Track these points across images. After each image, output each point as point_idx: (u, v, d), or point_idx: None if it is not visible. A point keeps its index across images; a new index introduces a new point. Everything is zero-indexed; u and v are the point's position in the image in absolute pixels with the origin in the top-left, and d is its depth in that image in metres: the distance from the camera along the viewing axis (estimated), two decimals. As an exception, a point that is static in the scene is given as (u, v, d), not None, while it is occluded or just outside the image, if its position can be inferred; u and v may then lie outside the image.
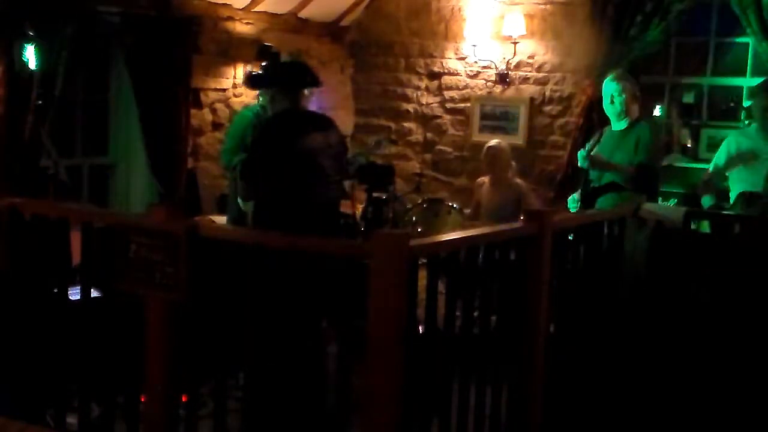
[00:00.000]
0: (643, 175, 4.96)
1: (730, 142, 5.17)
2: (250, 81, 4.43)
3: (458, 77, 7.58)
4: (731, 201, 5.03)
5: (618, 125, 5.16)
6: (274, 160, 4.23)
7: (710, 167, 5.28)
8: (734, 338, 4.22)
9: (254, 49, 6.69)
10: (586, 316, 4.18)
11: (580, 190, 5.16)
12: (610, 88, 5.15)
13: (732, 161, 5.09)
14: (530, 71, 7.27)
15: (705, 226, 4.95)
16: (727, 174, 5.14)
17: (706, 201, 5.25)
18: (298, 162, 4.23)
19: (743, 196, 4.87)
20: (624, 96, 5.09)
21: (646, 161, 4.99)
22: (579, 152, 5.10)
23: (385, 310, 2.80)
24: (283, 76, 4.59)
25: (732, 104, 7.26)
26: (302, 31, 7.45)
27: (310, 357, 3.93)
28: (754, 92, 5.15)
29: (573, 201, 5.16)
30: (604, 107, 5.27)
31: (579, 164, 5.10)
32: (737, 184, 5.02)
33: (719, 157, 5.20)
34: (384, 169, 7.32)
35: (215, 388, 3.38)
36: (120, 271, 3.26)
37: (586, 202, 5.04)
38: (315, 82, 4.60)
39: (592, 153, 5.03)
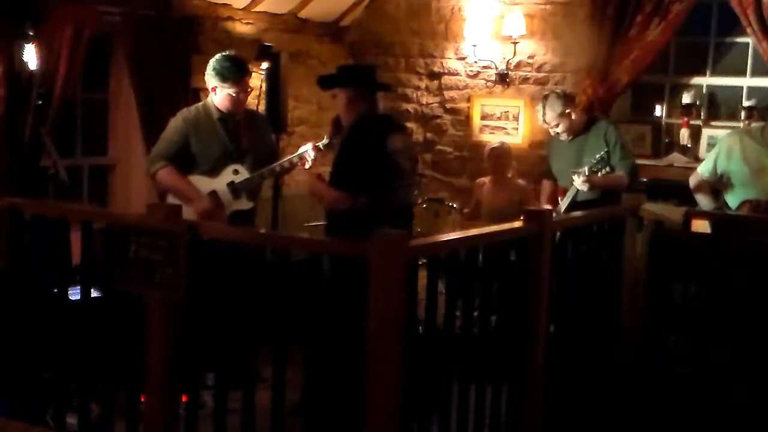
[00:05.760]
0: (634, 178, 5.12)
1: (731, 143, 4.79)
2: (325, 82, 4.26)
3: (458, 77, 7.57)
4: (733, 208, 4.76)
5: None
6: (364, 163, 4.14)
7: (704, 172, 4.92)
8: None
9: (254, 49, 6.68)
10: (586, 316, 4.18)
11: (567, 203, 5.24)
12: (542, 115, 5.32)
13: (732, 165, 4.75)
14: (530, 71, 7.26)
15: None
16: (727, 179, 4.80)
17: (705, 203, 4.93)
18: (385, 165, 4.14)
19: (750, 204, 4.65)
20: (555, 120, 5.26)
21: (632, 163, 5.16)
22: (576, 175, 5.12)
23: (384, 310, 2.81)
24: (363, 78, 4.44)
25: (732, 104, 7.25)
26: (302, 31, 7.45)
27: (310, 357, 3.92)
28: None
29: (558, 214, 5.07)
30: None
31: (577, 186, 5.13)
32: (741, 190, 4.72)
33: (716, 162, 4.84)
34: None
35: (216, 388, 3.38)
36: (120, 271, 3.26)
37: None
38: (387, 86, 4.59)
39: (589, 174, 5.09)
